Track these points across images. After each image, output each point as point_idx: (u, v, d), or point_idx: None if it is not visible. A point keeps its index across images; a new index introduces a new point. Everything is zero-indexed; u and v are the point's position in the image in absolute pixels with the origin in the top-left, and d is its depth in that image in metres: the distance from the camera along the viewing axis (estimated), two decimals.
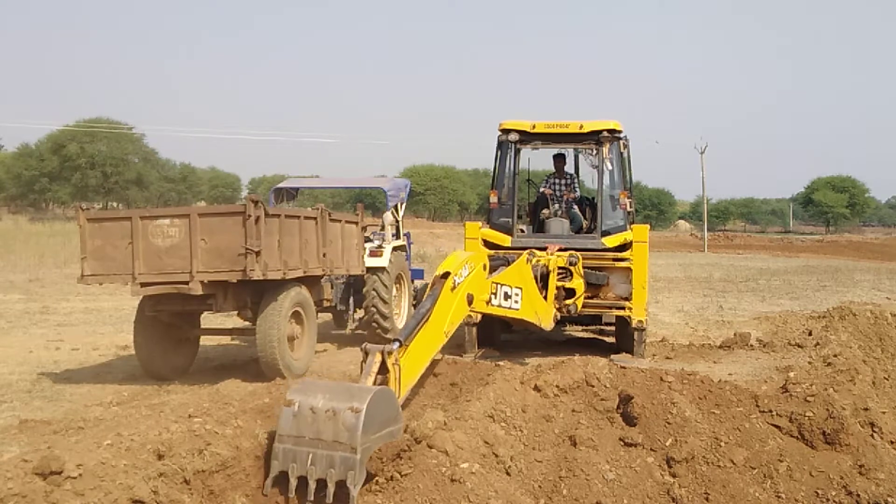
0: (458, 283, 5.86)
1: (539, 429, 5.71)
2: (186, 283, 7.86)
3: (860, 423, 5.71)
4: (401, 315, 11.63)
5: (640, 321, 9.46)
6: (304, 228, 8.77)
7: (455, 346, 9.21)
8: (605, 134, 9.76)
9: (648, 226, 10.29)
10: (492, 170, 10.48)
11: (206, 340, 10.26)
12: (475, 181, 70.34)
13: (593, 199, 10.43)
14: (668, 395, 5.85)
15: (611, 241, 9.78)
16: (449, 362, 7.12)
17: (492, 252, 9.75)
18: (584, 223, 10.53)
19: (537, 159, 11.30)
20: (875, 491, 5.05)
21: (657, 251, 34.48)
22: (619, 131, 9.97)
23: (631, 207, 10.31)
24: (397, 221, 12.15)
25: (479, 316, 8.87)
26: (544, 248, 9.28)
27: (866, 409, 5.98)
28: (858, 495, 5.02)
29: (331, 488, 4.20)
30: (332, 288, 10.35)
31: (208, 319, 9.68)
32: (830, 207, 75.41)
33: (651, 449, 5.53)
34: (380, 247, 11.15)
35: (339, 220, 9.69)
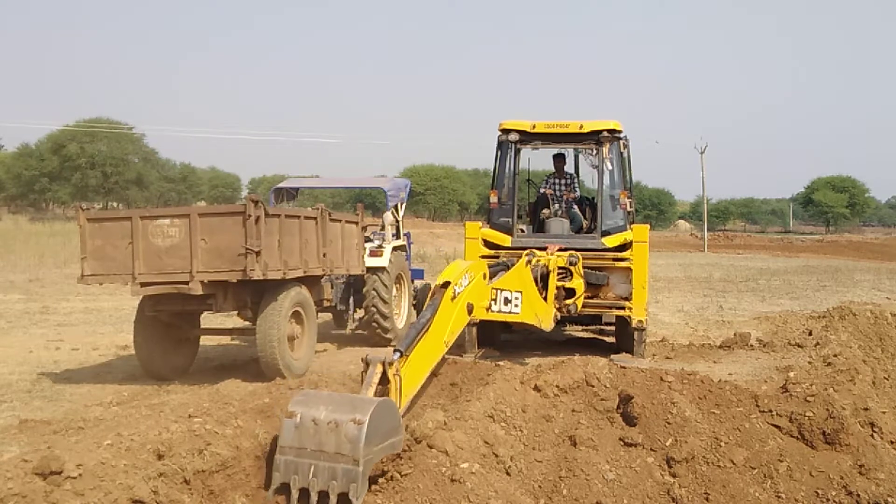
0: (459, 293, 5.85)
1: (539, 429, 5.71)
2: (186, 283, 7.86)
3: (860, 423, 5.70)
4: (401, 315, 11.63)
5: (640, 321, 9.46)
6: (304, 228, 8.77)
7: (455, 346, 9.13)
8: (605, 134, 9.76)
9: (648, 226, 10.29)
10: (492, 170, 10.48)
11: (206, 340, 10.26)
12: (475, 181, 70.34)
13: (593, 199, 10.43)
14: (668, 395, 5.84)
15: (611, 241, 9.78)
16: (449, 362, 7.12)
17: (492, 252, 9.80)
18: (584, 223, 10.53)
19: (537, 159, 11.32)
20: (875, 491, 5.05)
21: (657, 251, 34.49)
22: (619, 131, 9.97)
23: (631, 207, 10.30)
24: (397, 221, 12.15)
25: None
26: (544, 248, 9.28)
27: (866, 409, 5.98)
28: (858, 495, 5.02)
29: (333, 500, 4.18)
30: (332, 288, 10.36)
31: (208, 319, 9.68)
32: (830, 207, 75.41)
33: (651, 449, 5.53)
34: (380, 247, 11.15)
35: (339, 220, 9.70)
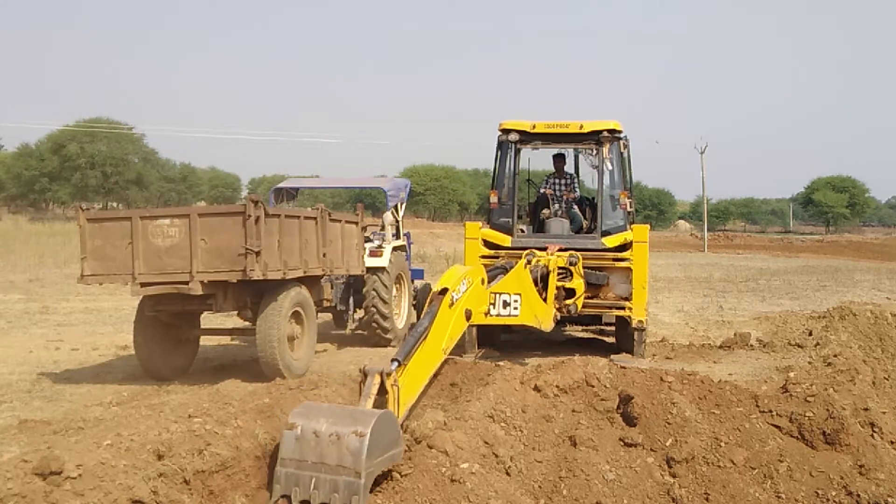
0: (457, 299, 5.84)
1: (539, 429, 5.71)
2: (186, 283, 7.86)
3: (860, 423, 5.70)
4: (401, 315, 11.64)
5: (640, 321, 9.46)
6: (304, 228, 8.77)
7: (455, 346, 9.17)
8: (605, 134, 9.76)
9: (648, 226, 10.29)
10: (492, 170, 10.48)
11: (206, 340, 10.26)
12: (475, 181, 70.33)
13: (593, 199, 10.43)
14: (668, 395, 5.84)
15: (611, 241, 9.78)
16: (449, 362, 7.11)
17: (492, 252, 9.80)
18: (584, 223, 10.53)
19: (537, 159, 11.32)
20: (875, 491, 5.04)
21: (657, 251, 34.48)
22: (619, 131, 9.97)
23: (631, 207, 10.31)
24: (397, 221, 12.15)
25: None
26: (544, 248, 9.29)
27: (866, 409, 5.98)
28: (858, 495, 5.02)
29: None
30: (332, 288, 10.36)
31: (208, 319, 9.68)
32: (830, 207, 75.39)
33: (651, 449, 5.52)
34: (380, 247, 11.15)
35: (339, 220, 9.70)
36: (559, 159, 10.94)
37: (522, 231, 10.39)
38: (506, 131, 10.03)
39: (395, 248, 11.38)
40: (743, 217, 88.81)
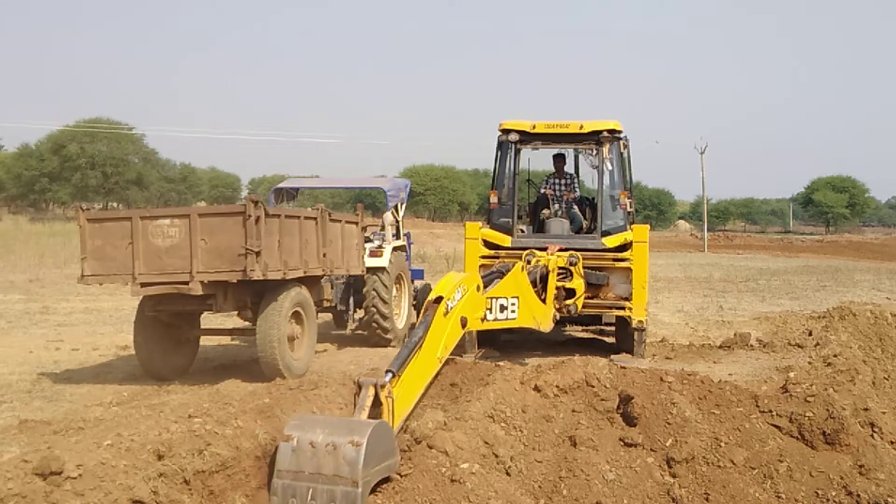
0: (452, 308, 5.82)
1: (539, 429, 5.71)
2: (186, 283, 7.86)
3: (860, 424, 5.70)
4: (401, 315, 11.64)
5: (640, 321, 9.46)
6: (304, 228, 8.77)
7: (455, 346, 9.21)
8: (605, 134, 9.76)
9: (648, 226, 10.29)
10: (492, 170, 10.49)
11: (206, 340, 10.26)
12: (475, 181, 70.34)
13: (593, 199, 10.43)
14: (668, 395, 5.84)
15: (611, 242, 9.78)
16: (449, 362, 7.12)
17: (492, 252, 9.79)
18: (584, 223, 10.53)
19: (537, 159, 11.32)
20: (875, 491, 5.04)
21: (657, 251, 34.49)
22: (619, 131, 9.98)
23: (631, 207, 10.31)
24: (397, 221, 12.15)
25: None
26: (544, 249, 9.29)
27: (866, 409, 5.98)
28: (858, 495, 5.02)
29: None
30: (332, 288, 10.36)
31: (208, 319, 9.68)
32: (830, 207, 75.40)
33: (651, 449, 5.52)
34: (380, 247, 11.15)
35: (339, 221, 9.70)
36: (559, 159, 10.94)
37: (522, 231, 10.39)
38: (506, 131, 10.03)
39: (395, 249, 11.38)
40: (743, 217, 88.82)
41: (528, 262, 8.61)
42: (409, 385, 5.08)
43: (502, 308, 7.28)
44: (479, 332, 9.72)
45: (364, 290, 10.88)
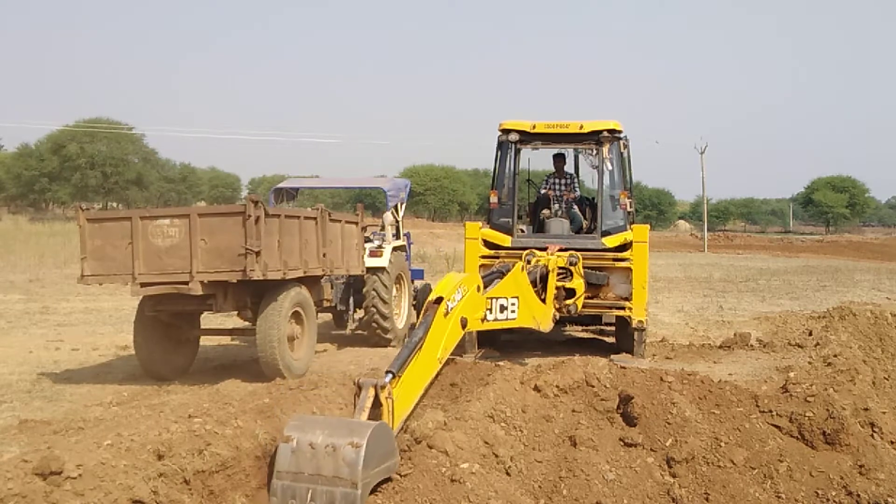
0: (452, 308, 5.82)
1: (539, 429, 5.71)
2: (186, 283, 7.86)
3: (860, 423, 5.70)
4: (401, 315, 11.64)
5: (640, 321, 9.46)
6: (304, 228, 8.77)
7: (455, 346, 9.21)
8: (605, 134, 9.77)
9: (648, 226, 10.29)
10: (492, 170, 10.49)
11: (206, 340, 10.26)
12: (475, 181, 70.32)
13: (593, 199, 10.44)
14: (668, 395, 5.84)
15: (611, 241, 9.78)
16: (449, 362, 7.12)
17: (492, 252, 9.79)
18: (584, 223, 10.54)
19: (537, 159, 11.33)
20: (875, 491, 5.05)
21: (657, 251, 34.49)
22: (619, 131, 9.98)
23: (631, 207, 10.31)
24: (397, 221, 12.15)
25: None
26: (544, 249, 9.29)
27: (866, 409, 5.98)
28: (858, 495, 5.02)
29: None
30: (332, 288, 10.36)
31: (208, 319, 9.68)
32: (830, 207, 75.39)
33: (651, 449, 5.53)
34: (380, 247, 11.15)
35: (339, 220, 9.70)
36: (559, 159, 10.94)
37: (522, 231, 10.39)
38: (506, 131, 10.03)
39: (395, 248, 11.38)
40: (743, 217, 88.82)
41: (528, 262, 8.61)
42: (409, 386, 5.08)
43: (502, 308, 7.28)
44: (479, 332, 9.71)
45: (364, 290, 10.88)
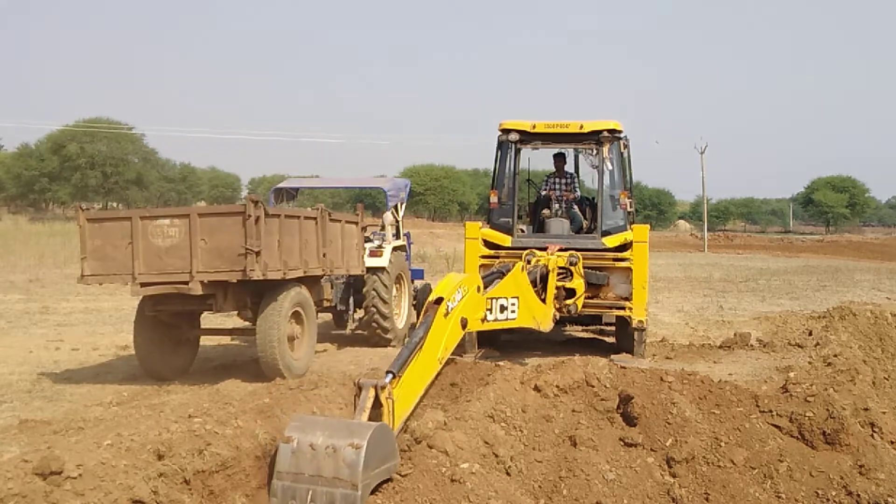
0: (452, 308, 5.82)
1: (539, 429, 5.71)
2: (186, 283, 7.86)
3: (860, 423, 5.70)
4: (401, 315, 11.63)
5: (641, 321, 9.46)
6: (304, 228, 8.77)
7: (455, 346, 9.21)
8: (605, 134, 9.76)
9: (648, 226, 10.29)
10: (492, 170, 10.49)
11: (206, 340, 10.26)
12: (475, 181, 70.31)
13: (593, 199, 10.43)
14: (668, 395, 5.84)
15: (611, 241, 9.78)
16: (449, 362, 7.11)
17: (492, 252, 9.79)
18: (585, 223, 10.54)
19: (537, 159, 11.33)
20: (875, 491, 5.04)
21: (657, 251, 34.48)
22: (619, 131, 9.98)
23: (631, 207, 10.31)
24: (397, 221, 12.15)
25: None
26: (544, 249, 9.29)
27: (866, 409, 5.98)
28: (858, 495, 5.02)
29: None
30: (332, 288, 10.36)
31: (208, 319, 9.68)
32: (830, 207, 75.39)
33: (651, 449, 5.52)
34: (380, 247, 11.15)
35: (339, 220, 9.70)
36: (559, 159, 10.94)
37: (522, 231, 10.39)
38: (506, 131, 10.03)
39: (395, 248, 11.38)
40: (743, 217, 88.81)
41: (528, 262, 8.61)
42: (410, 386, 5.08)
43: (502, 308, 7.28)
44: (479, 333, 9.71)
45: (364, 290, 10.87)
